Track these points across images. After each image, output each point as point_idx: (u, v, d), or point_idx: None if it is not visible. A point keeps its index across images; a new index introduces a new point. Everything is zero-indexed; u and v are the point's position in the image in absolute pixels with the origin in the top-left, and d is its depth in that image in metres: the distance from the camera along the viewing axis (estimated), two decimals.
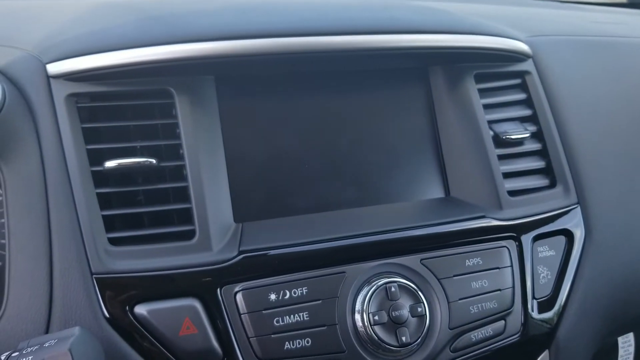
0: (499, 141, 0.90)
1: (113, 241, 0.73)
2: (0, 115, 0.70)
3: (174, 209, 0.76)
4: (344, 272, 0.76)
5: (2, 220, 0.74)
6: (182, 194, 0.76)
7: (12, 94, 0.73)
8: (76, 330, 0.56)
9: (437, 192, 0.90)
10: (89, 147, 0.75)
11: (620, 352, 1.09)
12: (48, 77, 0.76)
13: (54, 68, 0.76)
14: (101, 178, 0.74)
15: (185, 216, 0.75)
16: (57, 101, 0.75)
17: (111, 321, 0.69)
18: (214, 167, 0.79)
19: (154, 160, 0.75)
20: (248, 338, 0.71)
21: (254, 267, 0.74)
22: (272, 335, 0.72)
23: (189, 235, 0.75)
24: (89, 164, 0.74)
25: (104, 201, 0.74)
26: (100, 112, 0.77)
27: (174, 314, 0.70)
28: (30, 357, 0.52)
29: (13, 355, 0.54)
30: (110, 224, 0.73)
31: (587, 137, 0.97)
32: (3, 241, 0.74)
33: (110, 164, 0.74)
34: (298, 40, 0.79)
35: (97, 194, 0.73)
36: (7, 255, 0.71)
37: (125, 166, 0.74)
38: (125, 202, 0.75)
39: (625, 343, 1.10)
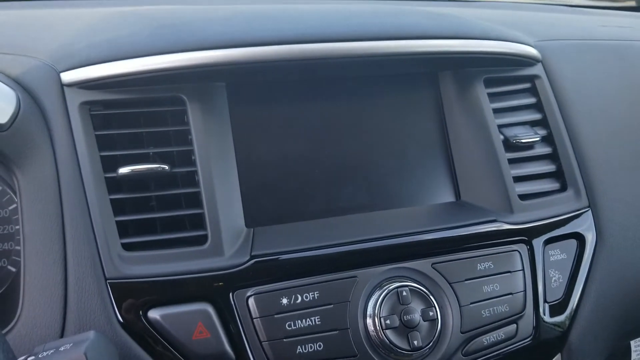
0: (509, 145, 0.90)
1: (126, 246, 0.73)
2: (15, 123, 0.72)
3: (186, 215, 0.76)
4: (355, 277, 0.76)
5: (17, 227, 0.75)
6: (194, 200, 0.77)
7: (27, 102, 0.74)
8: (91, 334, 0.57)
9: (448, 196, 0.90)
10: (103, 153, 0.76)
11: (633, 355, 1.08)
12: (62, 86, 0.77)
13: (67, 76, 0.77)
14: (115, 184, 0.75)
15: (198, 221, 0.76)
16: (71, 109, 0.76)
17: (125, 326, 0.70)
18: (225, 172, 0.79)
19: (166, 167, 0.76)
20: (260, 342, 0.72)
21: (265, 271, 0.74)
22: (284, 340, 0.72)
23: (201, 240, 0.75)
24: (102, 171, 0.75)
25: (118, 207, 0.75)
26: (114, 120, 0.78)
27: (187, 318, 0.70)
28: None
29: (29, 359, 0.54)
30: (123, 229, 0.74)
31: (597, 141, 0.97)
32: (18, 247, 0.75)
33: (123, 170, 0.75)
34: (308, 47, 0.80)
35: (111, 200, 0.74)
36: (22, 261, 0.72)
37: (138, 172, 0.75)
38: (138, 207, 0.76)
39: (639, 347, 1.09)
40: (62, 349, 0.54)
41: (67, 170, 0.74)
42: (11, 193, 0.78)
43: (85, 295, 0.69)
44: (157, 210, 0.76)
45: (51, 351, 0.54)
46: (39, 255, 0.71)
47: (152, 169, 0.76)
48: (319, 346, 0.72)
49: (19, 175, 0.74)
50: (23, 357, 0.55)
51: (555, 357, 0.87)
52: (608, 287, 0.90)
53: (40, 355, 0.54)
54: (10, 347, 0.53)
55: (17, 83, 0.76)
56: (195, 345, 0.70)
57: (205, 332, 0.71)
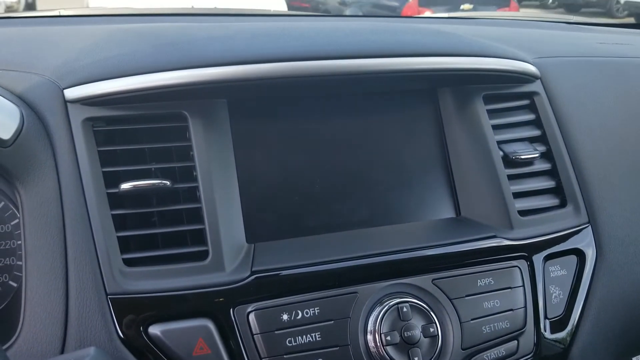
0: (509, 161, 0.91)
1: (128, 262, 0.74)
2: (19, 139, 0.72)
3: (187, 230, 0.77)
4: (355, 293, 0.76)
5: (19, 242, 0.75)
6: (196, 215, 0.77)
7: (30, 118, 0.75)
8: (91, 350, 0.57)
9: (448, 212, 0.90)
10: (105, 169, 0.76)
11: None
12: (65, 102, 0.78)
13: (71, 93, 0.78)
14: (116, 200, 0.76)
15: (199, 237, 0.77)
16: (74, 125, 0.76)
17: (125, 341, 0.70)
18: (226, 188, 0.80)
19: (168, 182, 0.77)
20: (261, 358, 0.72)
21: (266, 287, 0.74)
22: (285, 356, 0.72)
23: (202, 255, 0.75)
24: (104, 186, 0.75)
25: (119, 222, 0.75)
26: (116, 136, 0.79)
27: (188, 334, 0.70)
28: None
29: None
30: (125, 245, 0.74)
31: (597, 157, 0.98)
32: (20, 263, 0.75)
33: (125, 186, 0.75)
34: (309, 64, 0.80)
35: (113, 215, 0.75)
36: (23, 277, 0.72)
37: (140, 188, 0.76)
38: (140, 223, 0.76)
39: None
40: None
41: (70, 185, 0.74)
42: (13, 208, 0.78)
43: (86, 310, 0.69)
44: (159, 225, 0.76)
45: None
46: (40, 270, 0.71)
47: (153, 184, 0.76)
48: None
49: (21, 191, 0.74)
50: None
51: None
52: (609, 303, 0.90)
53: None
54: None
55: (20, 99, 0.77)
56: None
57: (205, 348, 0.70)
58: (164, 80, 0.77)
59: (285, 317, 0.73)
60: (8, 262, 0.77)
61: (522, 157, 0.92)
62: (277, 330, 0.72)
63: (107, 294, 0.71)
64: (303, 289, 0.75)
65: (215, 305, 0.72)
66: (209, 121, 0.80)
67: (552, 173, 0.95)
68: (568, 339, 0.86)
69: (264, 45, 0.84)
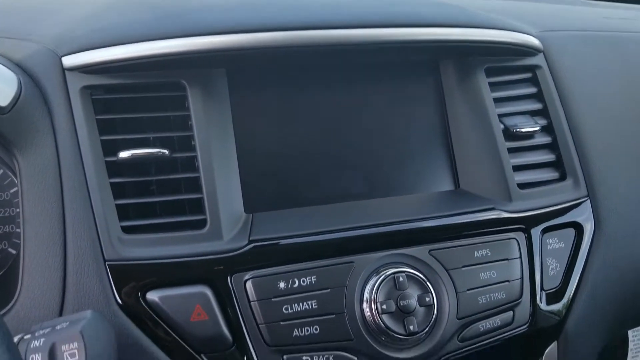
0: (509, 134, 0.90)
1: (126, 230, 0.74)
2: (16, 106, 0.72)
3: (185, 199, 0.77)
4: (352, 262, 0.77)
5: (18, 210, 0.76)
6: (194, 184, 0.77)
7: (28, 86, 0.75)
8: (88, 313, 0.58)
9: (447, 185, 0.90)
10: (103, 138, 0.76)
11: (631, 345, 1.08)
12: (63, 70, 0.77)
13: (69, 61, 0.77)
14: (115, 168, 0.76)
15: (197, 206, 0.77)
16: (72, 93, 0.76)
17: (123, 307, 0.71)
18: (225, 158, 0.80)
19: (166, 151, 0.76)
20: (257, 325, 0.72)
21: (263, 256, 0.75)
22: (281, 323, 0.73)
23: (201, 224, 0.76)
24: (103, 155, 0.75)
25: (118, 190, 0.75)
26: (115, 104, 0.78)
27: (185, 301, 0.71)
28: (42, 339, 0.53)
29: (25, 337, 0.55)
30: (123, 212, 0.74)
31: (598, 131, 0.97)
32: (19, 230, 0.76)
33: (123, 154, 0.75)
34: (309, 33, 0.80)
35: (111, 183, 0.75)
36: (21, 244, 0.72)
37: (139, 157, 0.76)
38: (138, 191, 0.76)
39: (636, 337, 1.09)
40: (58, 327, 0.55)
41: (68, 153, 0.74)
42: (12, 176, 0.78)
43: (84, 276, 0.70)
44: (157, 194, 0.76)
45: (47, 329, 0.55)
46: (38, 237, 0.72)
47: (152, 153, 0.76)
48: (315, 330, 0.73)
49: (19, 158, 0.74)
50: (19, 336, 0.56)
51: (552, 345, 0.87)
52: (605, 277, 0.90)
53: (36, 334, 0.54)
54: (7, 326, 0.53)
55: (18, 67, 0.77)
56: (193, 327, 0.71)
57: (203, 315, 0.71)
58: (163, 49, 0.76)
59: (282, 285, 0.73)
60: (7, 230, 0.78)
61: (523, 130, 0.91)
62: (273, 297, 0.73)
63: (105, 260, 0.71)
64: (300, 258, 0.76)
65: (212, 272, 0.73)
66: (207, 90, 0.80)
67: (552, 146, 0.95)
68: (564, 310, 0.86)
69: (263, 14, 0.84)
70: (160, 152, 0.76)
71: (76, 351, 0.52)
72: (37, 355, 0.52)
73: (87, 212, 0.72)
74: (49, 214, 0.72)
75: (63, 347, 0.52)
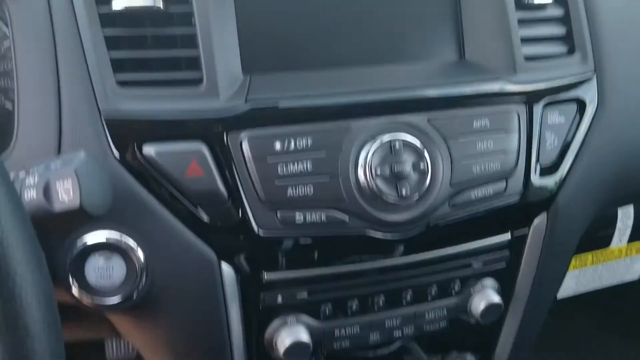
0: (521, 4, 0.87)
1: (121, 84, 0.73)
2: None
3: (182, 56, 0.75)
4: (349, 127, 0.76)
5: (11, 64, 0.74)
6: (190, 40, 0.75)
7: None
8: (81, 153, 0.57)
9: (453, 54, 0.87)
10: None
11: (619, 224, 1.11)
12: None
13: None
14: (108, 19, 0.73)
15: (193, 63, 0.75)
16: None
17: (120, 160, 0.71)
18: (222, 16, 0.77)
19: (160, 5, 0.74)
20: (252, 182, 0.73)
21: (260, 116, 0.74)
22: (276, 182, 0.73)
23: (197, 82, 0.74)
24: (95, 5, 0.73)
25: (111, 43, 0.73)
26: None
27: (181, 156, 0.71)
28: (36, 176, 0.54)
29: (20, 172, 0.56)
30: (118, 65, 0.73)
31: (612, 7, 0.93)
32: (14, 86, 0.75)
33: (117, 5, 0.73)
34: None
35: (105, 35, 0.73)
36: (15, 96, 0.72)
37: (133, 9, 0.73)
38: (133, 44, 0.74)
39: (624, 215, 1.11)
40: (52, 166, 0.55)
41: (59, 3, 0.72)
42: (4, 27, 0.76)
43: (79, 126, 0.70)
44: (152, 48, 0.75)
45: (42, 167, 0.56)
46: (32, 87, 0.71)
47: (146, 6, 0.73)
48: (310, 190, 0.74)
49: (10, 5, 0.72)
50: (14, 172, 0.57)
51: (541, 216, 0.88)
52: (602, 154, 0.90)
53: (31, 171, 0.55)
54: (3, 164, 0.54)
55: None
56: (188, 182, 0.72)
57: (198, 171, 0.72)
58: None
59: (277, 145, 0.73)
60: (2, 84, 0.77)
61: (535, 1, 0.87)
62: (269, 156, 0.73)
63: (100, 112, 0.71)
64: (297, 120, 0.75)
65: (208, 129, 0.72)
66: None
67: (563, 20, 0.91)
68: (557, 184, 0.87)
69: None
70: (154, 5, 0.74)
71: (70, 188, 0.52)
72: (31, 190, 0.53)
73: (81, 62, 0.71)
74: (42, 63, 0.71)
75: (57, 184, 0.53)
